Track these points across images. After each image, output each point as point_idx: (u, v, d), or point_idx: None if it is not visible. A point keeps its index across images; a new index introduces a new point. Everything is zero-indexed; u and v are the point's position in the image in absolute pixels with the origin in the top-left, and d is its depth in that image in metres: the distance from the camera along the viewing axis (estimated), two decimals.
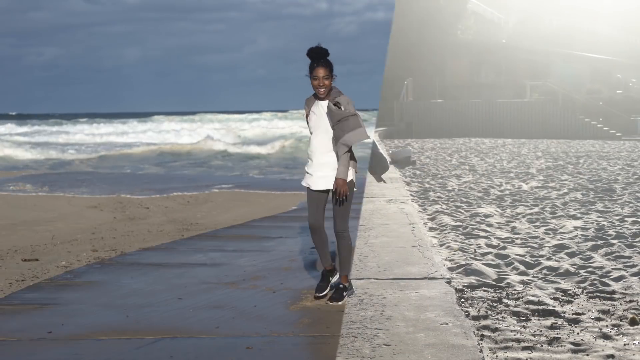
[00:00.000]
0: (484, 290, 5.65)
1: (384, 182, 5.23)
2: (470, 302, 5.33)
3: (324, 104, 5.37)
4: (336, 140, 5.25)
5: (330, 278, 5.60)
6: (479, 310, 5.09)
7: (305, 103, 5.52)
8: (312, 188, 5.42)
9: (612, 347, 4.34)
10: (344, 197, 5.25)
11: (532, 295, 5.44)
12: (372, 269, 6.31)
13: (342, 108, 5.25)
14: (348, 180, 5.33)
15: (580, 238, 7.74)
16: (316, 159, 5.39)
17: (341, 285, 5.50)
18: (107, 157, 31.91)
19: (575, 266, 6.45)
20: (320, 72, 5.24)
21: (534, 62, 41.92)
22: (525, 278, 6.05)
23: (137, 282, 6.25)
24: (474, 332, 4.58)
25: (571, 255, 6.92)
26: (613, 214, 9.36)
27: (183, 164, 28.17)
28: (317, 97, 5.38)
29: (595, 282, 5.86)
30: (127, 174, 22.41)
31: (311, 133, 5.43)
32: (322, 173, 5.38)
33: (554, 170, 15.51)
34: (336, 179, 5.23)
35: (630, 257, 6.75)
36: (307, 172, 5.48)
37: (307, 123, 5.50)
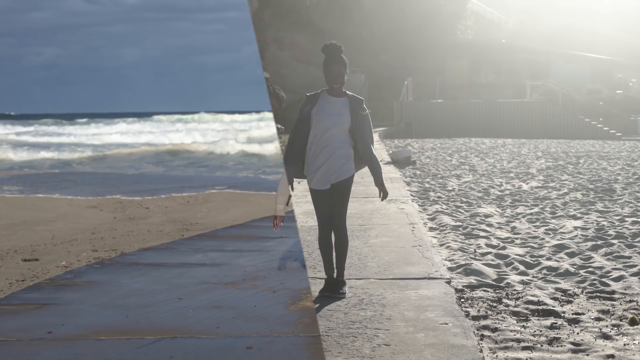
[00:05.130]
0: (484, 290, 5.65)
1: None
2: (470, 302, 5.33)
3: (341, 101, 5.37)
4: (365, 148, 5.38)
5: (337, 289, 5.52)
6: (478, 310, 5.09)
7: (306, 99, 5.43)
8: (321, 189, 5.43)
9: (612, 347, 4.34)
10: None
11: (532, 295, 5.45)
12: (372, 269, 6.30)
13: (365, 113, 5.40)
14: (350, 176, 5.42)
15: (580, 238, 7.74)
16: (323, 156, 5.37)
17: (341, 279, 5.52)
18: (106, 157, 31.89)
19: (575, 266, 6.45)
20: (335, 67, 5.30)
21: (534, 62, 41.90)
22: (525, 278, 6.05)
23: (137, 282, 6.25)
24: (473, 332, 4.58)
25: (571, 255, 6.92)
26: (613, 214, 9.35)
27: (182, 164, 28.16)
28: (329, 92, 5.40)
29: (595, 282, 5.86)
30: (127, 174, 22.40)
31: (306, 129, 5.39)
32: (326, 171, 5.38)
33: (553, 170, 15.51)
34: (384, 192, 5.42)
35: (630, 257, 6.75)
36: (311, 173, 5.46)
37: (303, 118, 5.39)
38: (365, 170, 5.62)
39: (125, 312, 5.22)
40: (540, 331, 4.64)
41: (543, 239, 7.73)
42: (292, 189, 5.56)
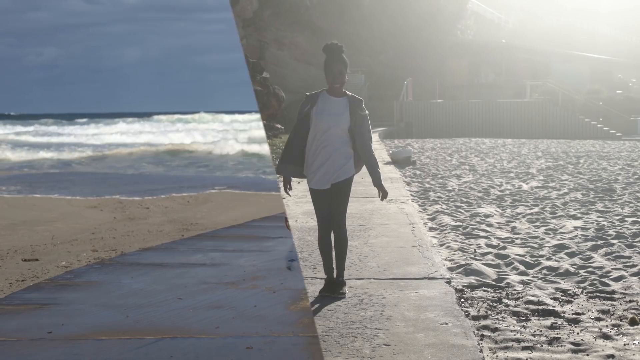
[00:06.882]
0: (484, 290, 5.65)
1: None
2: (470, 302, 5.33)
3: (341, 101, 5.38)
4: (364, 148, 5.37)
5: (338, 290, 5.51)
6: (478, 310, 5.09)
7: (306, 98, 5.44)
8: (321, 188, 5.42)
9: (612, 347, 4.34)
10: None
11: (532, 295, 5.45)
12: (372, 269, 6.30)
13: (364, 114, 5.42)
14: (350, 176, 5.41)
15: (580, 238, 7.74)
16: (323, 156, 5.37)
17: (340, 279, 5.51)
18: (106, 157, 31.88)
19: (575, 266, 6.45)
20: (336, 67, 5.30)
21: (534, 62, 41.90)
22: (525, 278, 6.05)
23: (137, 282, 6.25)
24: (474, 332, 4.58)
25: (571, 255, 6.92)
26: (613, 214, 9.35)
27: (182, 164, 28.17)
28: (329, 92, 5.40)
29: (595, 282, 5.86)
30: (127, 174, 22.39)
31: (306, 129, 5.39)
32: (326, 171, 5.37)
33: (554, 170, 15.51)
34: (384, 192, 5.40)
35: (630, 257, 6.75)
36: (311, 173, 5.44)
37: (302, 118, 5.39)
38: (366, 170, 5.61)
39: (125, 312, 5.22)
40: (540, 331, 4.64)
41: (543, 239, 7.73)
42: (290, 187, 5.54)
